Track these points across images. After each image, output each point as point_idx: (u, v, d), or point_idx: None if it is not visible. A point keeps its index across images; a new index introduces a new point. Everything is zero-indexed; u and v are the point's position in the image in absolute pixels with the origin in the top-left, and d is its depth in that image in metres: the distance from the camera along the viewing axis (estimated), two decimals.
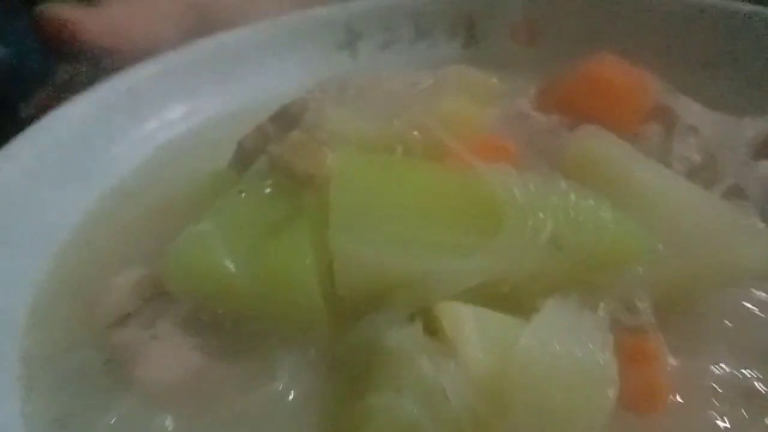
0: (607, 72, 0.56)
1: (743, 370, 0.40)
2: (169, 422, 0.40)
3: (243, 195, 0.47)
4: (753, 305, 0.43)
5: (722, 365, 0.40)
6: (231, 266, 0.42)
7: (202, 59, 0.70)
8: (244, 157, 0.56)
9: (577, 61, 0.59)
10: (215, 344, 0.43)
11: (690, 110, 0.56)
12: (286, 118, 0.56)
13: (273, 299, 0.42)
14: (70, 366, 0.45)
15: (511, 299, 0.39)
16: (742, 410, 0.38)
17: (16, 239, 0.51)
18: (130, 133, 0.65)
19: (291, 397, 0.39)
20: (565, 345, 0.35)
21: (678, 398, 0.39)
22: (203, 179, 0.59)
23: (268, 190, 0.47)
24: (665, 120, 0.56)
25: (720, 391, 0.39)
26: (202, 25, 0.71)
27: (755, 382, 0.39)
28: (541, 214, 0.39)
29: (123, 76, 0.65)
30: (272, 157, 0.49)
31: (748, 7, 0.64)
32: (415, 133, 0.47)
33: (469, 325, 0.36)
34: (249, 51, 0.73)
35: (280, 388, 0.40)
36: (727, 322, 0.42)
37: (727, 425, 0.38)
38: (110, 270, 0.50)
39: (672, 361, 0.39)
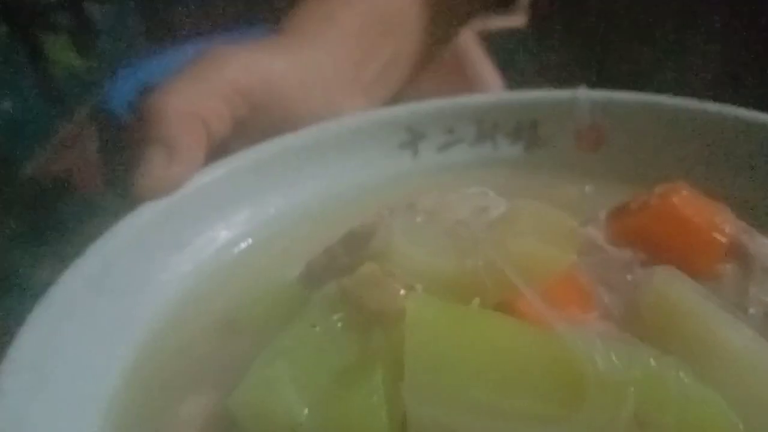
0: (683, 208, 0.56)
1: None
2: None
3: (316, 328, 0.48)
4: None
5: None
6: (303, 414, 0.43)
7: (266, 161, 0.72)
8: (313, 278, 0.58)
9: (649, 187, 0.60)
10: None
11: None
12: (355, 242, 0.57)
13: None
14: None
15: None
16: None
17: (78, 358, 0.53)
18: (195, 238, 0.67)
19: None
20: None
21: None
22: (271, 293, 0.60)
23: (339, 325, 0.48)
24: (741, 260, 0.56)
25: None
26: (256, 119, 0.73)
27: None
28: (623, 390, 0.39)
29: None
30: (344, 290, 0.50)
31: None
32: (489, 278, 0.48)
33: None
34: (313, 151, 0.75)
35: None
36: None
37: None
38: (177, 394, 0.52)
39: None
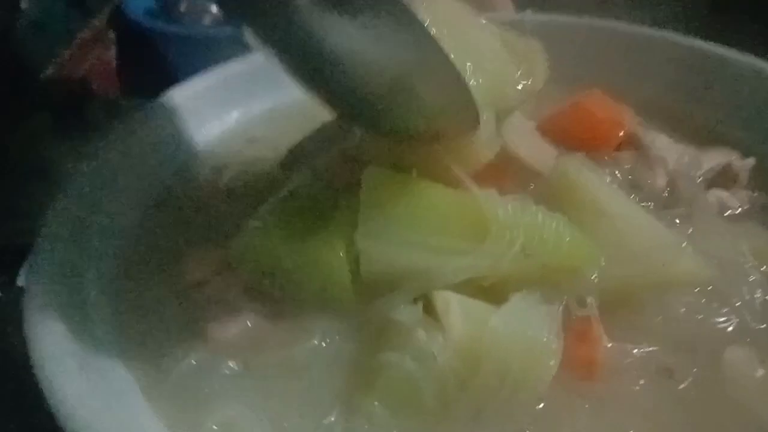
0: (591, 106, 0.71)
1: (662, 354, 0.55)
2: (233, 365, 0.56)
3: (294, 197, 0.63)
4: (679, 307, 0.58)
5: (647, 349, 0.56)
6: (283, 253, 0.58)
7: (256, 69, 0.86)
8: (292, 162, 0.72)
9: (574, 94, 0.74)
10: (268, 310, 0.59)
11: (659, 142, 0.71)
12: (327, 132, 0.71)
13: (313, 280, 0.57)
14: (156, 321, 0.61)
15: (490, 292, 0.54)
16: (657, 382, 0.54)
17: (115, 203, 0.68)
18: (196, 131, 0.81)
19: (323, 352, 0.55)
20: (522, 326, 0.51)
21: (610, 370, 0.54)
22: (259, 175, 0.75)
23: (312, 195, 0.62)
24: (638, 149, 0.71)
25: (642, 367, 0.55)
26: None
27: (670, 363, 0.55)
28: (515, 230, 0.54)
29: (190, 83, 0.81)
30: (317, 170, 0.65)
31: (721, 51, 0.78)
32: (428, 159, 0.62)
33: (454, 307, 0.52)
34: None
35: (315, 343, 0.56)
36: (656, 318, 0.57)
37: (643, 391, 0.54)
38: (187, 242, 0.67)
39: (608, 343, 0.55)
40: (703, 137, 0.75)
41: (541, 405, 0.52)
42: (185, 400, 0.53)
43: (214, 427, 0.51)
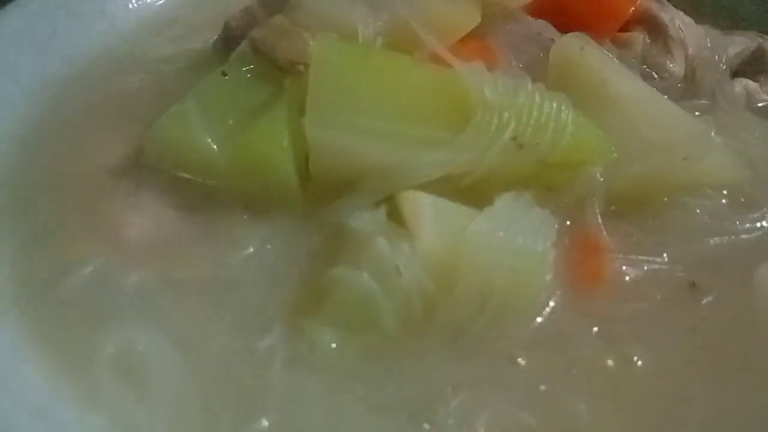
0: None
1: (681, 268, 0.46)
2: (143, 276, 0.45)
3: (226, 77, 0.50)
4: (703, 213, 0.48)
5: (663, 262, 0.46)
6: (211, 143, 0.47)
7: None
8: (229, 38, 0.59)
9: None
10: (193, 212, 0.48)
11: (678, 22, 0.59)
12: (274, 1, 0.58)
13: (249, 177, 0.47)
14: (44, 220, 0.49)
15: (470, 192, 0.44)
16: (678, 297, 0.45)
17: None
18: (120, 6, 0.67)
19: (260, 263, 0.46)
20: (510, 234, 0.40)
21: (619, 286, 0.45)
22: (188, 57, 0.62)
23: (249, 75, 0.50)
24: (652, 29, 0.59)
25: (658, 282, 0.46)
26: None
27: (691, 278, 0.45)
28: (506, 114, 0.43)
29: None
30: (255, 42, 0.52)
31: None
32: (397, 27, 0.50)
33: (426, 210, 0.41)
34: None
35: (251, 252, 0.46)
36: (675, 226, 0.47)
37: (658, 309, 0.44)
38: (91, 132, 0.55)
39: (617, 254, 0.45)
40: (728, 21, 0.63)
41: (535, 328, 0.42)
42: (77, 318, 0.43)
43: (111, 350, 0.41)
